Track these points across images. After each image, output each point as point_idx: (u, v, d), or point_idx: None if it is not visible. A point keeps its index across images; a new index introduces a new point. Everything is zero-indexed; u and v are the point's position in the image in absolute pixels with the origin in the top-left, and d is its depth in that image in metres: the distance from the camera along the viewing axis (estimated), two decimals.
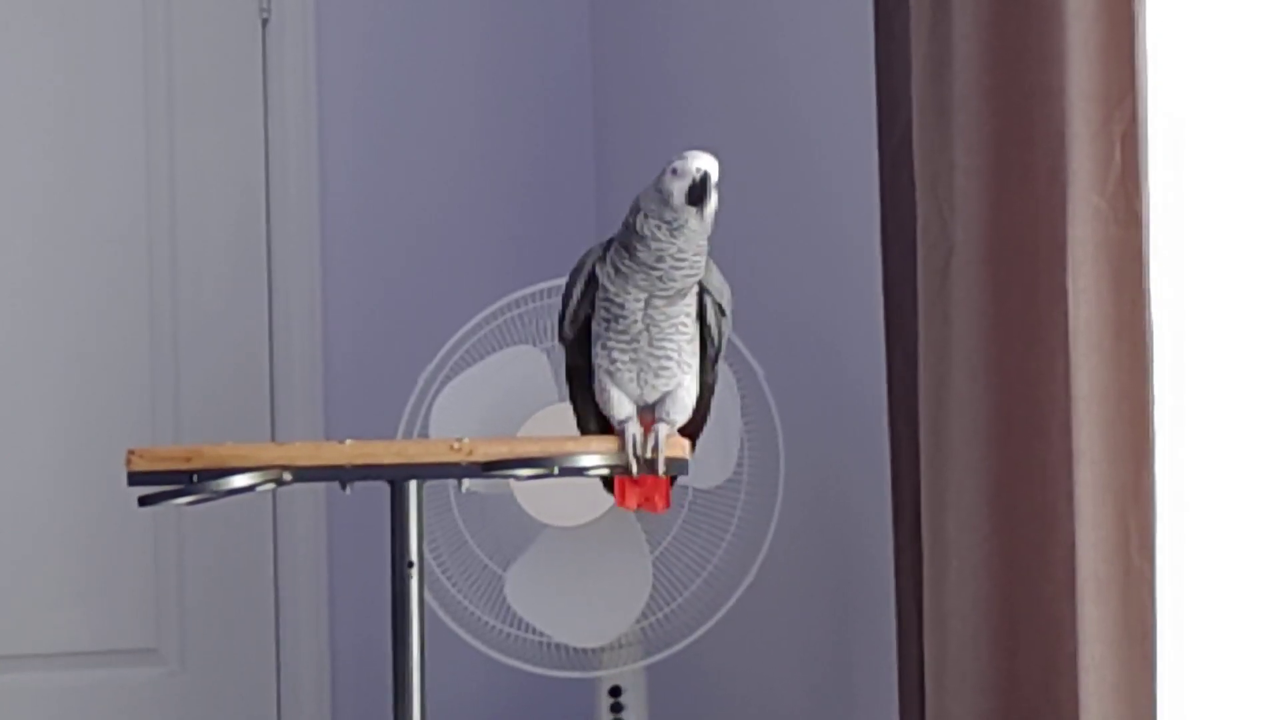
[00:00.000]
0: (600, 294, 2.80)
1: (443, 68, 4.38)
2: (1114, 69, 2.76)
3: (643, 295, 2.77)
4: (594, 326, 2.83)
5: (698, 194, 2.72)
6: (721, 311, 2.85)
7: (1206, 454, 2.77)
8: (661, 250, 2.74)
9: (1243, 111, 2.75)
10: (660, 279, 2.76)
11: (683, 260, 2.75)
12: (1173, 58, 2.79)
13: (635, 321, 2.79)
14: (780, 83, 3.80)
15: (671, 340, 2.79)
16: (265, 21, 4.27)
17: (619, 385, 2.82)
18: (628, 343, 2.80)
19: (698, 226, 2.74)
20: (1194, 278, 2.79)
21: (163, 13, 4.20)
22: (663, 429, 2.80)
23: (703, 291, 2.82)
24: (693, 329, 2.82)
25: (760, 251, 3.77)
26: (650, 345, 2.79)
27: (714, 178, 2.74)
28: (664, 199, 2.75)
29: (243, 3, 4.26)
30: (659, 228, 2.75)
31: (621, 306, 2.79)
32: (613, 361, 2.81)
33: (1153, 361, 2.75)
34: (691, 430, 2.88)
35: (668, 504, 2.91)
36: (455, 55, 4.39)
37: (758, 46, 3.87)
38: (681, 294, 2.78)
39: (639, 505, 2.91)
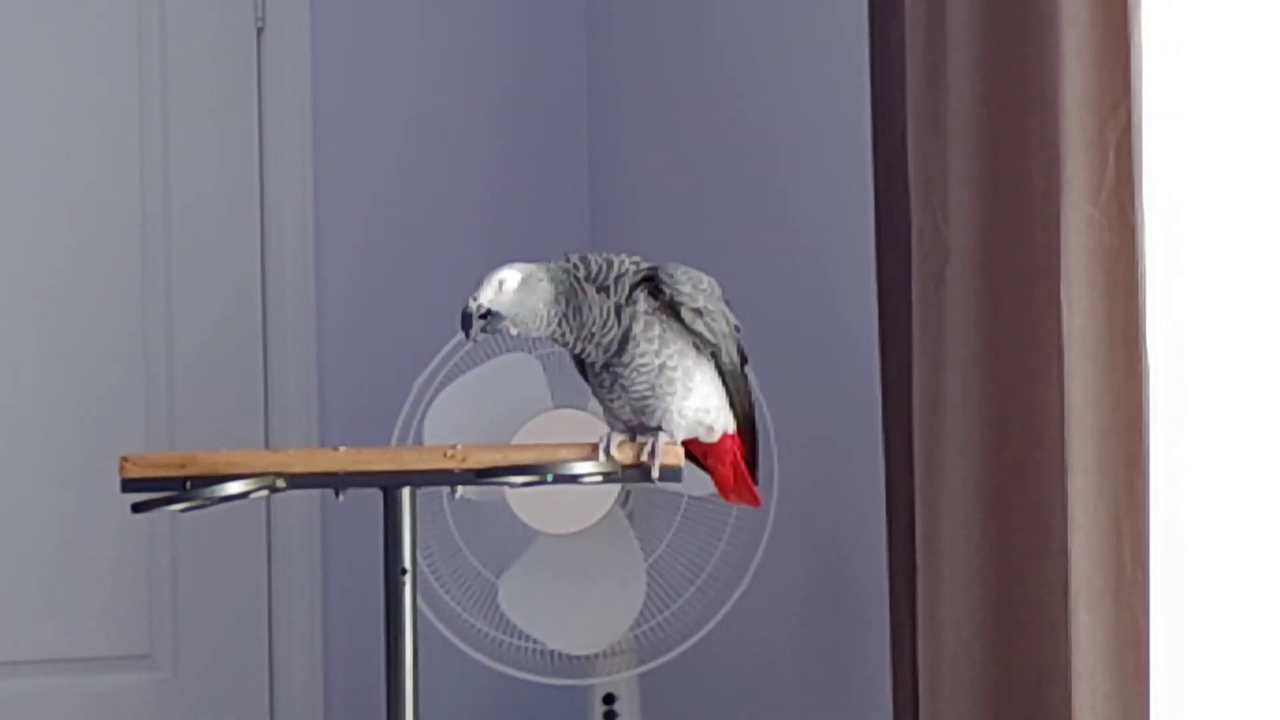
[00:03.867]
0: None
1: (437, 76, 4.38)
2: (1109, 77, 2.75)
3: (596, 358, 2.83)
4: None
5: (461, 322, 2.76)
6: (699, 314, 2.83)
7: (1200, 462, 2.77)
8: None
9: (1238, 120, 2.74)
10: (582, 355, 2.82)
11: (568, 342, 2.79)
12: (1168, 66, 2.79)
13: (598, 374, 2.83)
14: (775, 89, 3.80)
15: (638, 385, 2.80)
16: (260, 30, 4.27)
17: (610, 412, 2.86)
18: (601, 389, 2.83)
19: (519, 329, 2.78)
20: (1188, 286, 2.78)
21: (158, 21, 4.20)
22: (663, 436, 2.81)
23: (675, 303, 2.81)
24: (672, 356, 2.81)
25: (754, 258, 3.77)
26: (625, 391, 2.81)
27: (476, 305, 2.74)
28: None
29: (238, 11, 4.26)
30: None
31: (589, 365, 2.85)
32: (600, 398, 2.87)
33: (1147, 370, 2.74)
34: (750, 446, 2.94)
35: (757, 501, 3.00)
36: (450, 63, 4.39)
37: (752, 52, 3.87)
38: (619, 349, 2.79)
39: (738, 500, 3.01)
